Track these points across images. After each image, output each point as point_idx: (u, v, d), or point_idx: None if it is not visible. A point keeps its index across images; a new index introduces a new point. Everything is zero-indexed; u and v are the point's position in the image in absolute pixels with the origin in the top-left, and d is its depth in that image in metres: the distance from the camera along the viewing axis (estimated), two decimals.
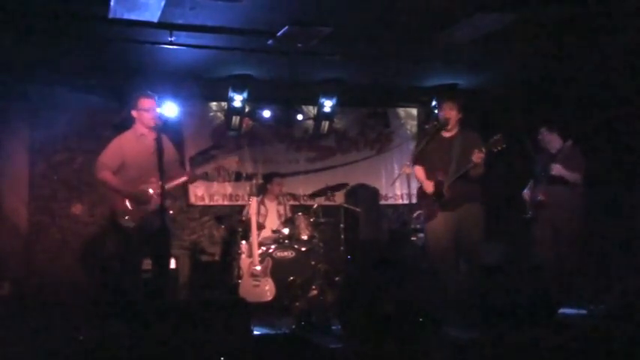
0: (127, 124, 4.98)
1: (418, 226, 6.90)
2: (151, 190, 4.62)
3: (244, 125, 7.67)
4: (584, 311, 5.29)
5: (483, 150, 4.74)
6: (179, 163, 5.20)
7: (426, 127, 7.52)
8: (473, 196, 4.98)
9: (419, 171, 5.18)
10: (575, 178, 5.60)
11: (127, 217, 4.59)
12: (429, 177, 5.09)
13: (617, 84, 6.58)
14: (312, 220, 6.65)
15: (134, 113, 4.79)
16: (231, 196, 7.88)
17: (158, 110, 4.79)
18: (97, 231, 7.15)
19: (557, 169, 5.58)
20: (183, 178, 4.87)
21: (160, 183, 4.37)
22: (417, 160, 5.21)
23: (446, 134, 5.12)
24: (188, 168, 7.19)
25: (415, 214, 7.05)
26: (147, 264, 4.87)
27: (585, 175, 5.65)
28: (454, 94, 7.15)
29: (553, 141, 5.80)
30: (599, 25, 5.48)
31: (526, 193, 5.98)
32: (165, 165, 4.49)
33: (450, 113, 5.08)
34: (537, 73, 7.04)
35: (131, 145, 4.78)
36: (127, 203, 4.63)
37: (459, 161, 4.91)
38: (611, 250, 6.40)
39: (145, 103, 4.75)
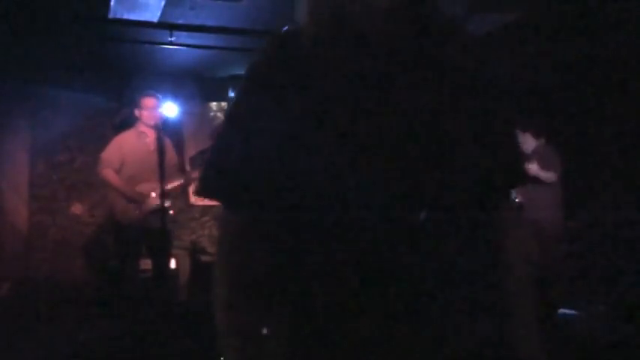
0: (127, 124, 4.99)
1: None
2: (153, 194, 4.62)
3: None
4: (583, 311, 5.30)
5: None
6: (177, 168, 5.20)
7: None
8: None
9: None
10: (550, 177, 5.48)
11: (125, 215, 4.62)
12: None
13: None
14: None
15: (137, 112, 4.81)
16: None
17: (160, 110, 4.82)
18: (97, 230, 7.14)
19: (532, 169, 5.47)
20: (179, 182, 4.89)
21: (159, 182, 4.39)
22: None
23: None
24: (188, 168, 7.21)
25: None
26: (146, 264, 4.89)
27: (562, 174, 5.56)
28: None
29: (526, 141, 5.69)
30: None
31: None
32: (165, 167, 4.50)
33: None
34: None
35: (131, 142, 4.80)
36: (126, 201, 4.64)
37: None
38: (594, 249, 6.33)
39: (148, 102, 4.79)
